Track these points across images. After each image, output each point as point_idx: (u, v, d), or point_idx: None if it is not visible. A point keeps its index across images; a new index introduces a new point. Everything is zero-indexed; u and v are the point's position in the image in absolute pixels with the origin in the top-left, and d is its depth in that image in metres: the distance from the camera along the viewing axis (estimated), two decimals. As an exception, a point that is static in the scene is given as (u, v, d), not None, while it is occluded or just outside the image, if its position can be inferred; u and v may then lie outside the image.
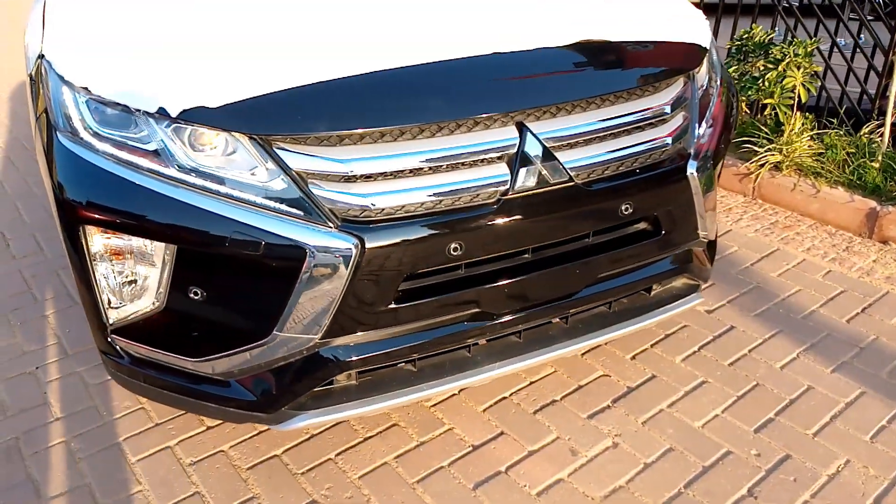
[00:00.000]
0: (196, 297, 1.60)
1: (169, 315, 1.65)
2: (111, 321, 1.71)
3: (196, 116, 1.52)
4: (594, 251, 1.78)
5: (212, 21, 1.75)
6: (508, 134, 1.65)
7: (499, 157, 1.65)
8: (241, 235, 1.52)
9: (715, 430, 2.10)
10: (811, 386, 2.26)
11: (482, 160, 1.63)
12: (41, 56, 1.80)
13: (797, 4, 3.93)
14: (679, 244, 1.92)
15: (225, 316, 1.63)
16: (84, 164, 1.59)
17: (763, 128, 3.58)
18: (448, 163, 1.61)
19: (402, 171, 1.58)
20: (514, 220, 1.64)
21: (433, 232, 1.59)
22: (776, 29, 3.90)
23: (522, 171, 1.64)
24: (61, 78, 1.66)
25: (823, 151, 3.42)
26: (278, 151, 1.54)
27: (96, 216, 1.58)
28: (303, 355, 1.63)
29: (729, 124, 2.03)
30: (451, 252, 1.61)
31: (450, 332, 1.73)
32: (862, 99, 3.63)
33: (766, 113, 3.71)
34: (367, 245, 1.54)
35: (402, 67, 1.61)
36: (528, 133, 1.65)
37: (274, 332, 1.59)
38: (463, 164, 1.62)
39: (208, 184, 1.55)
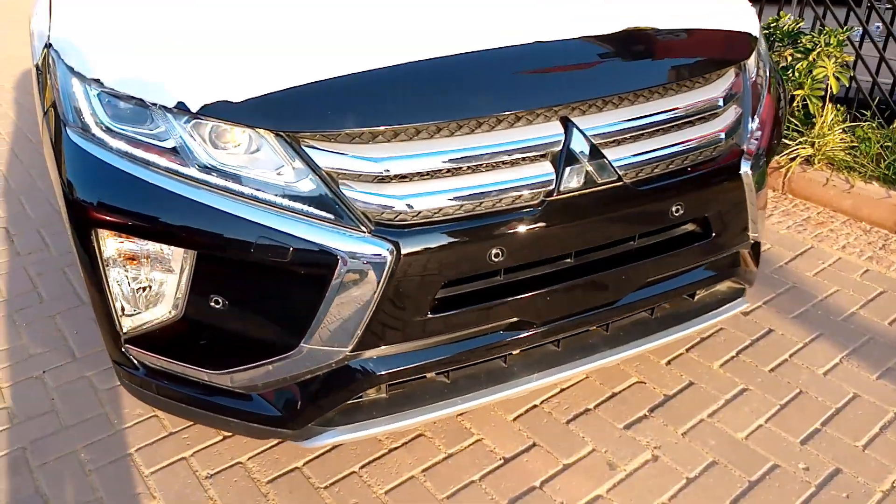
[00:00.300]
0: (217, 306, 1.48)
1: (187, 324, 1.54)
2: (125, 330, 1.60)
3: (218, 111, 1.40)
4: (641, 255, 1.67)
5: (235, 9, 1.63)
6: (553, 130, 1.53)
7: (542, 155, 1.53)
8: (266, 241, 1.41)
9: (759, 441, 1.99)
10: (857, 394, 2.15)
11: (525, 158, 1.51)
12: (48, 45, 1.68)
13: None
14: (728, 247, 1.80)
15: (248, 326, 1.52)
16: (96, 162, 1.47)
17: (793, 119, 3.45)
18: (489, 161, 1.49)
19: (439, 170, 1.46)
20: (559, 223, 1.53)
21: (473, 236, 1.47)
22: (803, 17, 3.76)
23: (568, 170, 1.52)
24: (71, 69, 1.54)
25: (856, 145, 3.29)
26: (307, 149, 1.42)
27: (109, 219, 1.47)
28: (331, 368, 1.52)
29: (779, 118, 1.91)
30: (492, 258, 1.49)
31: (486, 342, 1.61)
32: (894, 90, 3.50)
33: (794, 104, 3.58)
34: (403, 251, 1.42)
35: (438, 58, 1.49)
36: (574, 129, 1.53)
37: (301, 344, 1.47)
38: (504, 162, 1.50)
39: (230, 184, 1.43)
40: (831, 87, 3.31)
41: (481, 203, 1.48)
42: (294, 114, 1.40)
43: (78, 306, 2.59)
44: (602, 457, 1.94)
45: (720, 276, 1.86)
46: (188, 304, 1.51)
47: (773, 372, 2.23)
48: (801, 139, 3.31)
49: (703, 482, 1.87)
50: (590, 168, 1.54)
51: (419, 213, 1.45)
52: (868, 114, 3.46)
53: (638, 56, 1.65)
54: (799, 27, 3.57)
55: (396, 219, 1.45)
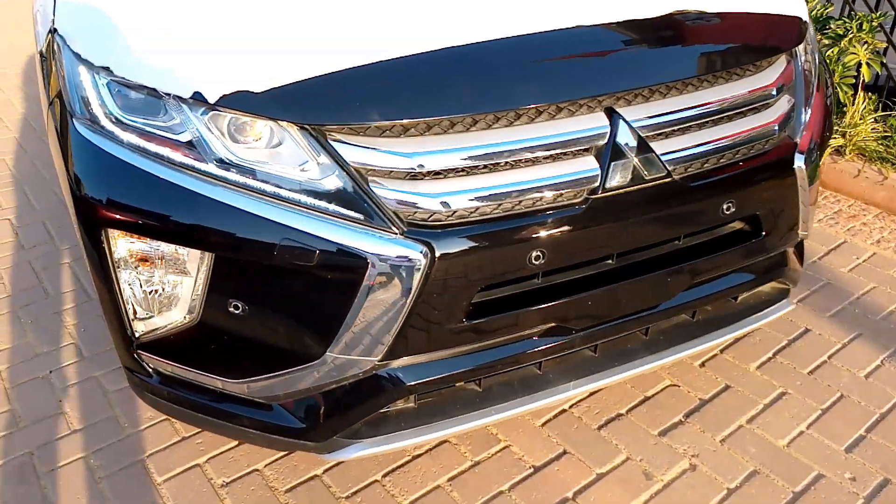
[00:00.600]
0: (237, 312, 1.38)
1: (204, 330, 1.44)
2: (137, 334, 1.50)
3: (238, 103, 1.29)
4: (687, 256, 1.56)
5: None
6: (597, 121, 1.41)
7: (586, 150, 1.42)
8: (289, 242, 1.30)
9: (802, 449, 1.89)
10: (902, 398, 2.05)
11: (567, 153, 1.40)
12: (53, 30, 1.56)
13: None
14: (778, 246, 1.69)
15: (269, 333, 1.41)
16: (105, 156, 1.36)
17: (823, 108, 3.32)
18: (529, 157, 1.38)
19: (475, 166, 1.35)
20: (604, 223, 1.42)
21: (512, 238, 1.36)
22: (832, 2, 3.62)
23: (614, 165, 1.41)
24: (77, 56, 1.43)
25: (889, 134, 3.17)
26: (333, 144, 1.31)
27: (120, 217, 1.36)
28: (358, 378, 1.42)
29: (829, 109, 1.79)
30: (532, 261, 1.38)
31: (522, 349, 1.51)
32: (928, 78, 3.37)
33: (824, 92, 3.45)
34: (437, 253, 1.32)
35: (474, 44, 1.37)
36: (620, 120, 1.42)
37: (327, 353, 1.37)
38: (545, 157, 1.39)
39: (250, 181, 1.32)
40: (863, 75, 3.18)
41: (521, 202, 1.37)
42: (320, 105, 1.29)
43: (85, 302, 2.49)
44: (637, 466, 1.85)
45: (767, 276, 1.75)
46: (205, 309, 1.41)
47: (812, 374, 2.13)
48: (832, 129, 3.18)
49: (745, 493, 1.78)
50: (637, 163, 1.43)
51: (454, 212, 1.34)
52: (901, 102, 3.34)
53: (685, 41, 1.53)
54: (827, 13, 3.44)
55: (430, 219, 1.34)
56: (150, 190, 1.34)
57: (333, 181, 1.32)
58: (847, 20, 3.25)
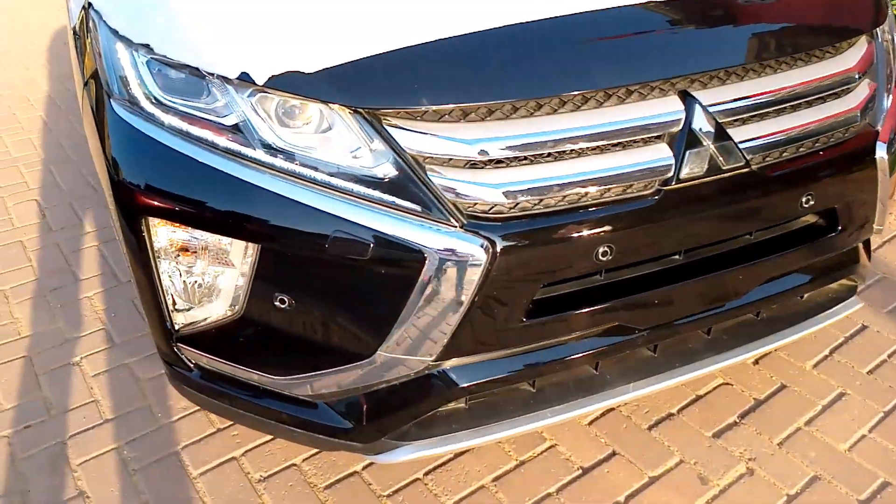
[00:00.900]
0: (283, 306, 1.30)
1: (247, 325, 1.37)
2: (177, 326, 1.43)
3: (287, 84, 1.20)
4: (760, 252, 1.46)
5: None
6: (671, 106, 1.31)
7: (658, 137, 1.31)
8: (340, 234, 1.22)
9: (864, 454, 1.79)
10: (969, 401, 1.94)
11: (638, 140, 1.30)
12: (88, 5, 1.48)
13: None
14: (852, 241, 1.58)
15: (316, 330, 1.34)
16: (145, 139, 1.29)
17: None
18: (597, 144, 1.28)
19: (539, 154, 1.26)
20: (677, 216, 1.32)
21: (578, 232, 1.27)
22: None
23: (689, 153, 1.31)
24: (115, 32, 1.34)
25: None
26: (388, 128, 1.22)
27: (161, 205, 1.29)
28: (409, 378, 1.34)
29: (910, 94, 1.67)
30: (599, 256, 1.29)
31: (580, 349, 1.42)
32: None
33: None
34: (499, 248, 1.23)
35: (537, 21, 1.27)
36: (696, 105, 1.31)
37: (378, 351, 1.29)
38: (615, 145, 1.29)
39: (299, 168, 1.24)
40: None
41: (588, 193, 1.28)
42: (375, 87, 1.20)
43: (115, 286, 2.43)
44: (692, 469, 1.76)
45: (838, 273, 1.65)
46: (249, 303, 1.33)
47: (871, 374, 2.03)
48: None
49: (806, 500, 1.69)
50: (714, 151, 1.32)
51: (517, 204, 1.25)
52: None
53: (762, 20, 1.41)
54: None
55: (491, 211, 1.25)
56: (193, 176, 1.26)
57: (388, 169, 1.23)
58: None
